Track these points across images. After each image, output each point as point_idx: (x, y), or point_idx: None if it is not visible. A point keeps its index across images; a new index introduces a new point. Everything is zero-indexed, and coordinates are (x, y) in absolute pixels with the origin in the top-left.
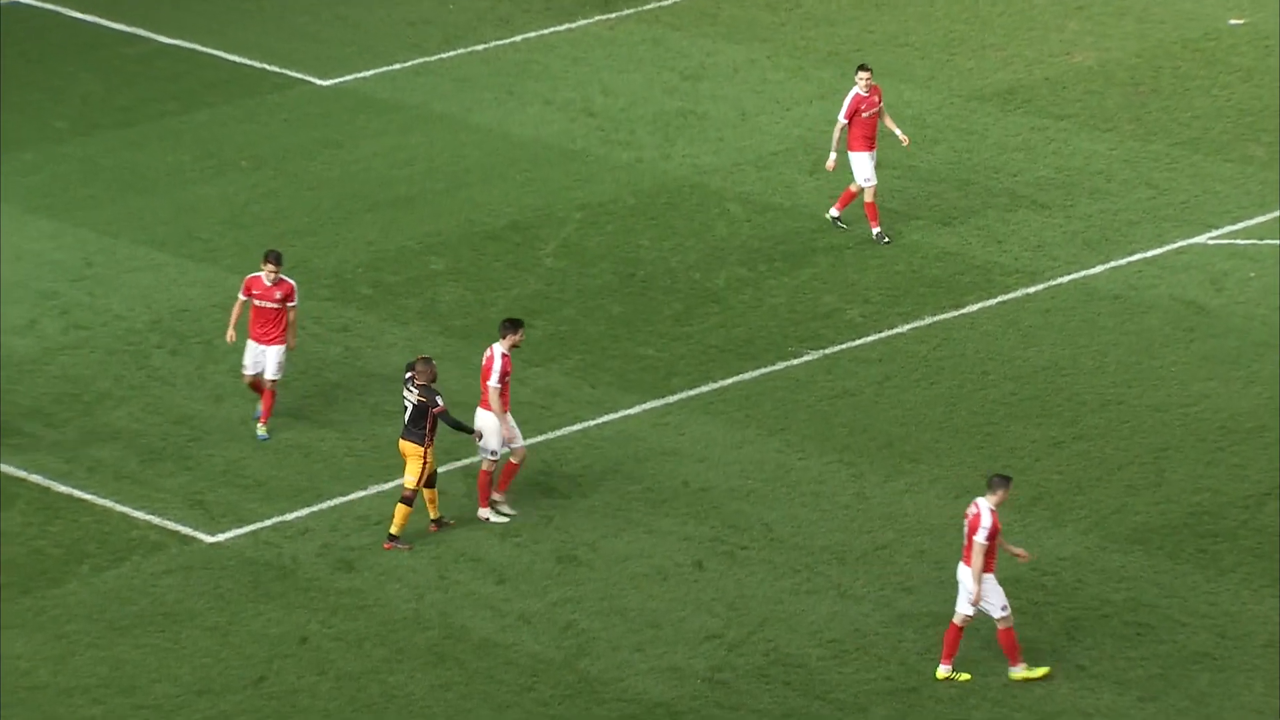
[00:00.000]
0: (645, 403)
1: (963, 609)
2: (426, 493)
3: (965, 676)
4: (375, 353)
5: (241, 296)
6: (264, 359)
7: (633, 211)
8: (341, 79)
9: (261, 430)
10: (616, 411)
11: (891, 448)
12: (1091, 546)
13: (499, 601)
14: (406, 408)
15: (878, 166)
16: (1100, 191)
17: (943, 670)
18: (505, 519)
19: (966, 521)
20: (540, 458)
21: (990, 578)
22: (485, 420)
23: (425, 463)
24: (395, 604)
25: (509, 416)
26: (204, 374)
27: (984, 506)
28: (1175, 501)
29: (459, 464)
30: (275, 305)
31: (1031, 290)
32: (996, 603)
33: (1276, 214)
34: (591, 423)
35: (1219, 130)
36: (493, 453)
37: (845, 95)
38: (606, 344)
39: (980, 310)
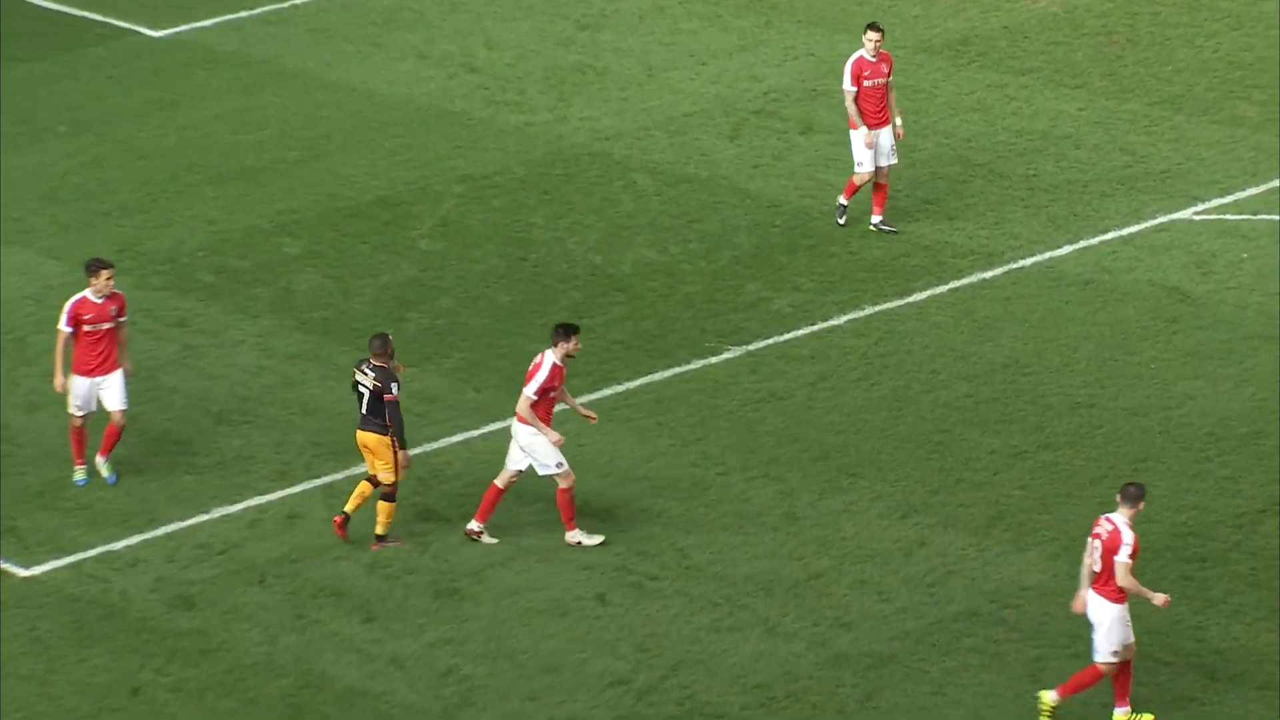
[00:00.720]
0: None
1: (1103, 656)
2: (362, 485)
3: (1149, 717)
4: (219, 351)
5: (66, 328)
6: (99, 393)
7: (522, 184)
8: (177, 29)
9: (106, 468)
10: (504, 419)
11: (827, 460)
12: (1059, 574)
13: (366, 643)
14: (362, 394)
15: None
16: (1068, 159)
17: (1119, 713)
18: (599, 540)
19: (1099, 543)
20: (414, 473)
21: (1124, 609)
22: (528, 436)
23: (395, 451)
24: (244, 647)
25: (548, 432)
26: (15, 378)
27: (1120, 522)
28: (1156, 520)
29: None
30: (110, 326)
31: (988, 275)
32: (1107, 646)
33: (1273, 184)
34: (475, 432)
35: (1204, 87)
36: (559, 465)
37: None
38: (492, 340)
39: (929, 299)
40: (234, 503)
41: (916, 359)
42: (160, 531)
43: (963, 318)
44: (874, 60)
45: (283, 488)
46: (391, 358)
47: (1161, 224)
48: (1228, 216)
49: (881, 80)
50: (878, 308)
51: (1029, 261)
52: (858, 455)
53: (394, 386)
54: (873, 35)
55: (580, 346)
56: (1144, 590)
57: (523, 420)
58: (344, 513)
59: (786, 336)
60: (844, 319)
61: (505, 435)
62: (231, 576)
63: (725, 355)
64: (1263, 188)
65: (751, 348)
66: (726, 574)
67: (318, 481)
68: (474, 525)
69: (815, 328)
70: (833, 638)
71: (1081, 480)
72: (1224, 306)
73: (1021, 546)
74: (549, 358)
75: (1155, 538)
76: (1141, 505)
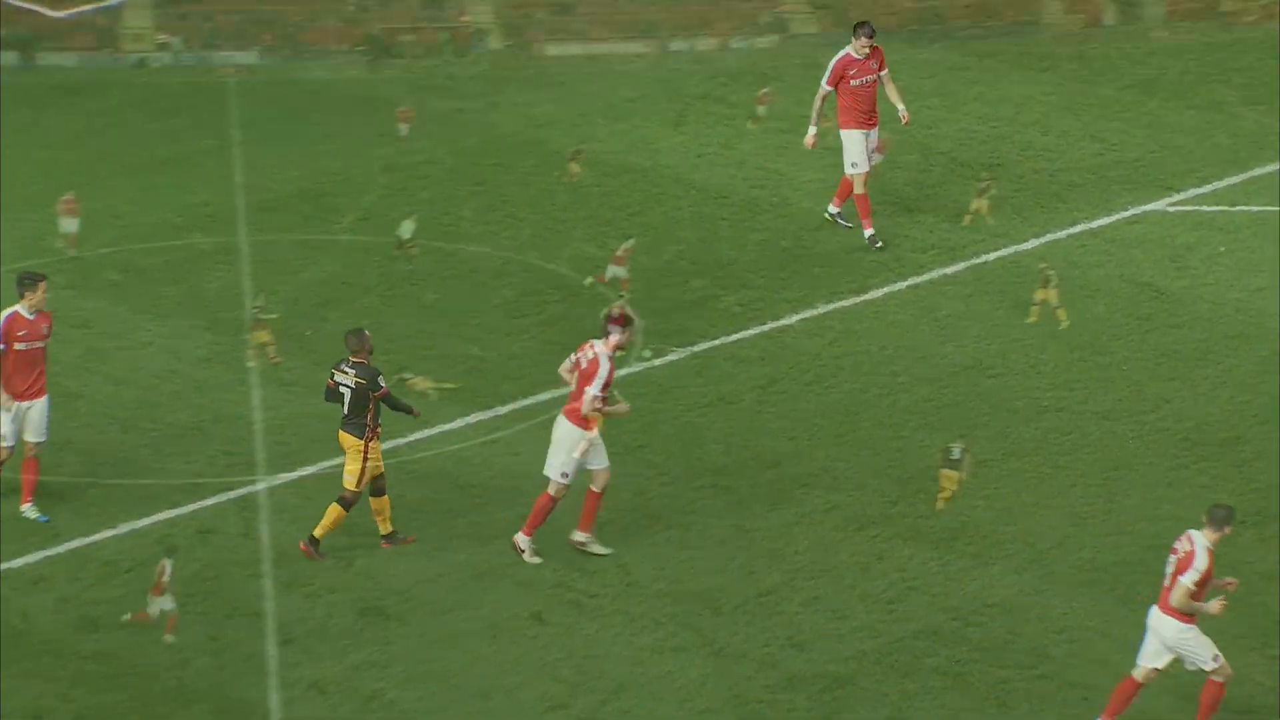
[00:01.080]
0: (469, 415)
1: (1148, 661)
2: (374, 503)
3: None
4: (126, 354)
5: None
6: (24, 420)
7: (452, 174)
8: (81, 10)
9: (34, 511)
10: (433, 426)
11: (778, 468)
12: (1026, 590)
13: (285, 667)
14: (344, 394)
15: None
16: (1034, 146)
17: None
18: (538, 560)
19: (1174, 559)
20: (335, 484)
21: (1194, 625)
22: (565, 433)
23: (365, 459)
24: (154, 672)
25: (596, 432)
26: None
27: (1199, 544)
28: (1128, 533)
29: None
30: (41, 345)
31: (950, 270)
32: (1206, 653)
33: (1251, 173)
34: (402, 440)
35: (1179, 69)
36: (563, 475)
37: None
38: (419, 341)
39: (887, 296)
40: (142, 517)
41: (874, 360)
42: (64, 548)
43: (923, 316)
44: (861, 58)
45: (194, 500)
46: (370, 353)
47: (1134, 216)
48: (1204, 208)
49: (871, 78)
50: (832, 306)
51: (992, 256)
52: (811, 464)
53: (380, 380)
54: (865, 40)
55: (633, 339)
56: (1201, 607)
57: (570, 420)
58: (385, 536)
59: (735, 337)
60: (796, 318)
61: (435, 443)
62: (140, 596)
63: (669, 357)
64: (1241, 177)
65: (697, 349)
66: (671, 591)
67: (231, 494)
68: (579, 536)
69: (765, 327)
70: (785, 659)
71: (1049, 489)
72: (1200, 303)
73: (985, 560)
74: (602, 351)
75: (1127, 550)
76: (1228, 529)
